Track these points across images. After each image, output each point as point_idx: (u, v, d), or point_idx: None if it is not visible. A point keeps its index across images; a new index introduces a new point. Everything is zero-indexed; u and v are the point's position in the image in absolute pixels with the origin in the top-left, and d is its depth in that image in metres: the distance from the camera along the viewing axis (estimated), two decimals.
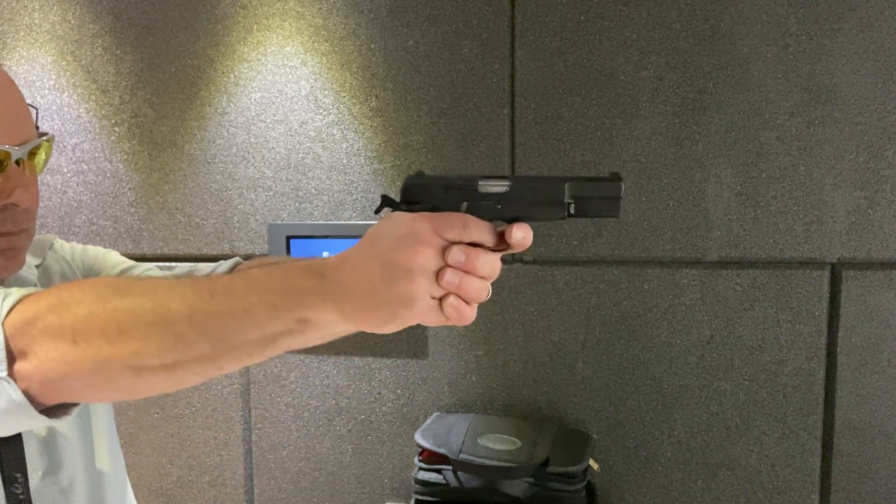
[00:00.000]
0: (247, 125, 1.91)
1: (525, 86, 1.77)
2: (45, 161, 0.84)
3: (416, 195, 0.67)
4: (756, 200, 1.68)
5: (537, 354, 1.81)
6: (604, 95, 1.73)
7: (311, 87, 1.87)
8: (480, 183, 0.65)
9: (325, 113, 1.87)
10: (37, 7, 1.99)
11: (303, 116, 1.88)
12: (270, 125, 1.90)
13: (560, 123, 1.76)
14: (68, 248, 1.02)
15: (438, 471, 1.64)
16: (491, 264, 0.63)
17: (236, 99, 1.91)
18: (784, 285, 1.68)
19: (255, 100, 1.90)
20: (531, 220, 0.66)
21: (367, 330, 0.63)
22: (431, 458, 1.65)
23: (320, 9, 1.85)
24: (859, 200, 1.64)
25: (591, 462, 1.64)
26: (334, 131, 1.87)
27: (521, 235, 0.64)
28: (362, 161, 1.86)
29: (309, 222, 1.89)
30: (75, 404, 0.69)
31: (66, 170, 2.02)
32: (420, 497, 1.66)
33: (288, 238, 1.87)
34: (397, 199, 0.68)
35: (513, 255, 1.81)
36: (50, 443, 0.87)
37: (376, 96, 1.84)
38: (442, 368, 1.84)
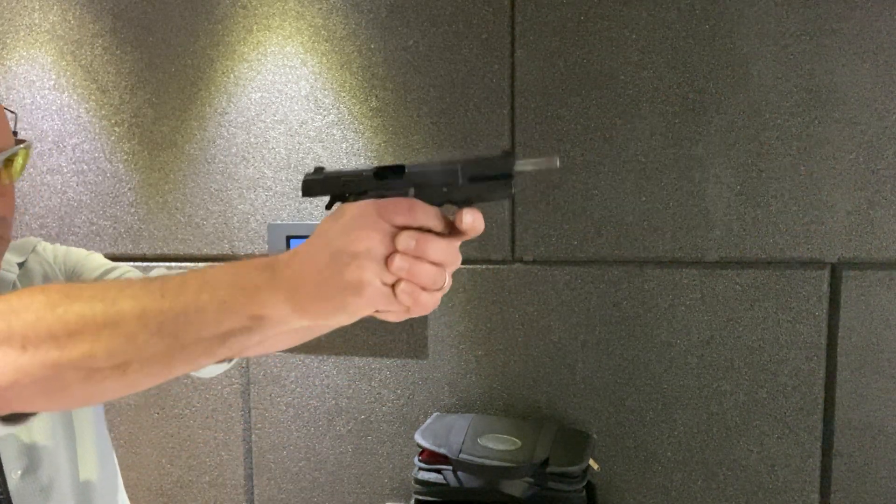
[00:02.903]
0: (247, 125, 1.91)
1: (525, 86, 1.77)
2: (22, 168, 0.83)
3: (316, 189, 0.68)
4: (756, 200, 1.68)
5: (537, 354, 1.81)
6: (604, 95, 1.73)
7: (311, 87, 1.87)
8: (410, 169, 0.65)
9: (325, 113, 1.87)
10: (37, 7, 1.99)
11: (303, 116, 1.88)
12: (270, 125, 1.90)
13: (560, 123, 1.76)
14: (51, 250, 1.02)
15: (438, 471, 1.64)
16: (444, 250, 0.62)
17: (236, 99, 1.91)
18: (784, 285, 1.68)
19: (254, 100, 1.90)
20: (477, 202, 0.65)
21: (322, 321, 0.63)
22: (431, 458, 1.65)
23: (320, 9, 1.85)
24: (859, 200, 1.64)
25: (591, 462, 1.64)
26: (334, 131, 1.87)
27: (471, 219, 0.63)
28: (362, 161, 1.86)
29: (309, 222, 1.89)
30: (32, 413, 0.68)
31: (65, 170, 2.02)
32: (420, 497, 1.66)
33: (288, 238, 1.87)
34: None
35: (513, 255, 1.81)
36: (30, 445, 0.87)
37: (376, 96, 1.84)
38: (442, 368, 1.84)
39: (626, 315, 1.76)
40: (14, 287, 0.93)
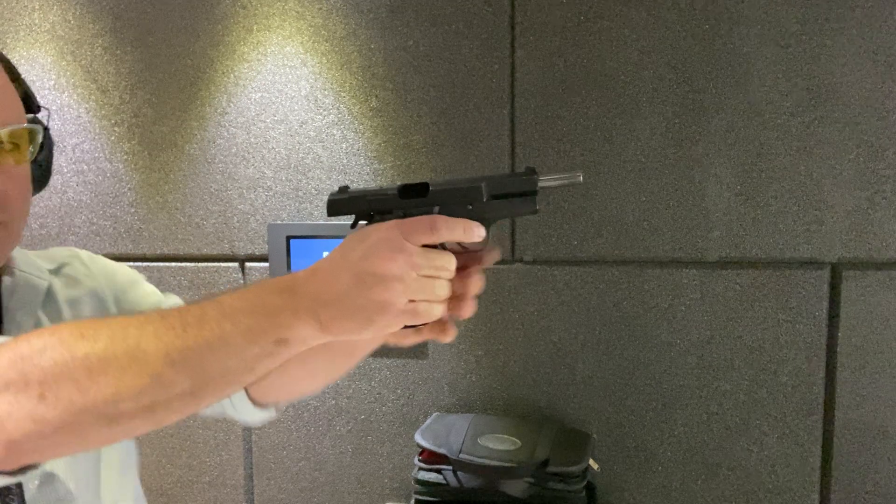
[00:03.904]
0: (247, 125, 1.91)
1: (525, 86, 1.77)
2: (28, 150, 0.80)
3: (342, 208, 0.69)
4: (756, 200, 1.68)
5: (537, 354, 1.81)
6: (604, 95, 1.73)
7: (311, 87, 1.87)
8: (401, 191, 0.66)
9: (325, 113, 1.87)
10: (37, 7, 1.99)
11: (303, 116, 1.88)
12: (270, 125, 1.90)
13: (560, 123, 1.76)
14: (100, 264, 0.99)
15: (438, 471, 1.64)
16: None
17: (236, 99, 1.91)
18: (784, 285, 1.68)
19: (254, 100, 1.90)
20: (501, 217, 0.67)
21: (346, 337, 0.63)
22: (431, 458, 1.65)
23: (320, 9, 1.85)
24: (859, 200, 1.64)
25: (591, 462, 1.64)
26: (334, 131, 1.87)
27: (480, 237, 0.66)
28: (362, 161, 1.86)
29: (309, 222, 1.89)
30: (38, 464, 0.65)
31: (65, 170, 2.02)
32: (420, 497, 1.66)
33: (288, 238, 1.87)
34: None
35: (513, 255, 1.81)
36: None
37: (376, 96, 1.84)
38: (442, 368, 1.84)
39: (626, 315, 1.76)
40: (49, 294, 0.90)
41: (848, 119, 1.63)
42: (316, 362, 0.83)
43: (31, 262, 0.92)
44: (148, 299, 1.00)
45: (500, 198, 0.66)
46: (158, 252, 1.99)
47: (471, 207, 0.66)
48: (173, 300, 1.02)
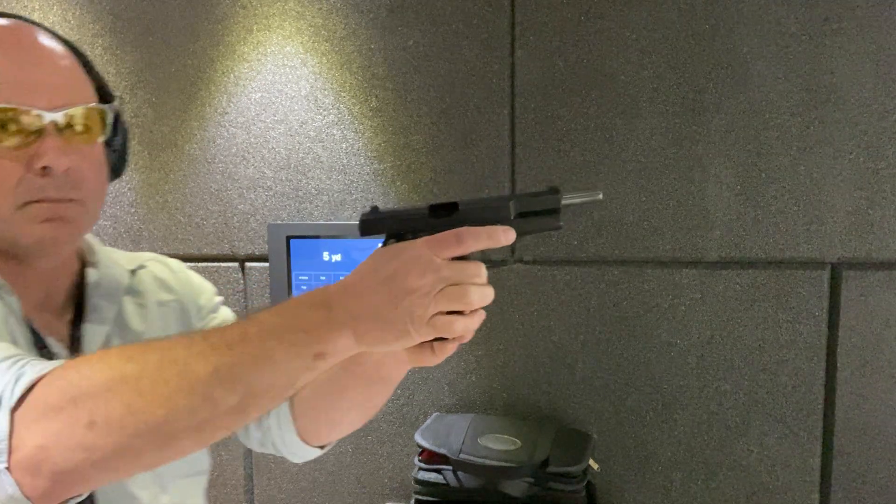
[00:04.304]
0: (247, 125, 1.91)
1: (525, 86, 1.77)
2: (92, 130, 0.81)
3: (375, 228, 0.72)
4: (756, 200, 1.68)
5: (537, 354, 1.81)
6: (604, 95, 1.73)
7: (311, 87, 1.87)
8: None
9: (325, 113, 1.87)
10: (36, 7, 1.99)
11: (303, 116, 1.88)
12: (270, 125, 1.90)
13: (560, 123, 1.76)
14: (189, 278, 1.01)
15: (438, 471, 1.64)
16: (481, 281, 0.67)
17: (236, 99, 1.91)
18: (784, 285, 1.68)
19: (255, 100, 1.90)
20: (529, 232, 0.72)
21: (381, 348, 0.66)
22: (431, 458, 1.65)
23: (320, 9, 1.85)
24: (859, 200, 1.64)
25: (591, 462, 1.64)
26: (334, 131, 1.87)
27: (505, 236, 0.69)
28: (362, 161, 1.86)
29: (309, 222, 1.89)
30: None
31: None
32: (420, 497, 1.66)
33: (288, 238, 1.87)
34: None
35: (513, 254, 1.81)
36: None
37: (376, 96, 1.84)
38: (442, 368, 1.84)
39: (626, 315, 1.76)
40: (130, 289, 0.92)
41: (848, 119, 1.63)
42: (355, 395, 0.86)
43: (114, 259, 0.94)
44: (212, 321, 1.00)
45: (527, 215, 0.71)
46: (159, 252, 1.99)
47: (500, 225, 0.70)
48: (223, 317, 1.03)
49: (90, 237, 0.92)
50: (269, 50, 1.89)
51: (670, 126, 1.71)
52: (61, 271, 0.87)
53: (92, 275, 0.89)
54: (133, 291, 0.93)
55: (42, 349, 0.79)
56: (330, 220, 1.89)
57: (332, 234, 1.86)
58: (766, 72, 1.65)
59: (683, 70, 1.69)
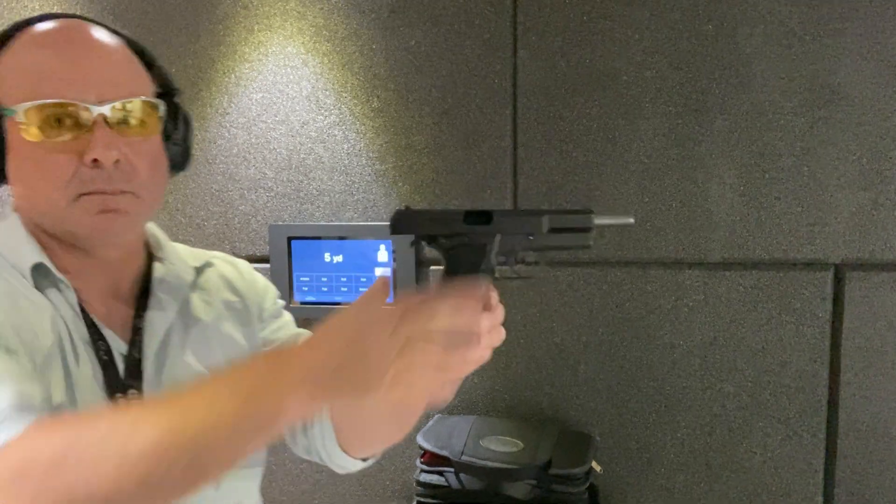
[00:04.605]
0: (248, 126, 1.91)
1: (527, 86, 1.76)
2: (145, 123, 0.82)
3: (408, 224, 0.72)
4: (759, 201, 1.67)
5: (539, 356, 1.80)
6: (606, 96, 1.72)
7: (313, 87, 1.86)
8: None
9: (327, 113, 1.87)
10: (36, 7, 1.98)
11: (304, 117, 1.88)
12: (272, 126, 1.90)
13: (562, 124, 1.75)
14: (254, 280, 1.00)
15: (440, 473, 1.64)
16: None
17: (237, 99, 1.91)
18: (787, 286, 1.67)
19: (256, 100, 1.90)
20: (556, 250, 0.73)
21: (346, 401, 0.66)
22: (433, 460, 1.64)
23: (322, 9, 1.85)
24: (863, 201, 1.63)
25: (594, 464, 1.63)
26: (336, 132, 1.87)
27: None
28: (364, 162, 1.86)
29: (310, 223, 1.88)
30: None
31: None
32: (422, 499, 1.65)
33: (289, 239, 1.87)
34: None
35: (516, 256, 1.80)
36: None
37: (378, 97, 1.83)
38: None
39: (629, 316, 1.75)
40: (197, 288, 0.92)
41: (851, 120, 1.62)
42: (384, 412, 0.87)
43: (180, 255, 0.95)
44: (284, 330, 1.00)
45: (558, 231, 0.71)
46: None
47: (531, 238, 0.71)
48: (302, 332, 1.03)
49: (157, 232, 0.93)
50: (270, 50, 1.88)
51: (673, 127, 1.70)
52: (127, 263, 0.88)
53: (158, 269, 0.90)
54: (199, 288, 0.93)
55: (98, 341, 0.81)
56: (331, 221, 1.88)
57: (334, 236, 1.85)
58: (770, 72, 1.65)
59: (686, 70, 1.69)
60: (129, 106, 0.80)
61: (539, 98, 1.76)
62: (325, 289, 1.86)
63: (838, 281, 1.66)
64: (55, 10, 1.98)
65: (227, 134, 1.92)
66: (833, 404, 1.68)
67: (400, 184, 1.84)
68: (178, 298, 0.90)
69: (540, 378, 1.81)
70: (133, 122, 0.81)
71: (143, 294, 0.88)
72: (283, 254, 1.87)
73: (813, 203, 1.65)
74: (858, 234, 1.64)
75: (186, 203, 1.96)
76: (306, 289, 1.87)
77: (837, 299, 1.66)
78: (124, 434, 0.62)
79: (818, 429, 1.68)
